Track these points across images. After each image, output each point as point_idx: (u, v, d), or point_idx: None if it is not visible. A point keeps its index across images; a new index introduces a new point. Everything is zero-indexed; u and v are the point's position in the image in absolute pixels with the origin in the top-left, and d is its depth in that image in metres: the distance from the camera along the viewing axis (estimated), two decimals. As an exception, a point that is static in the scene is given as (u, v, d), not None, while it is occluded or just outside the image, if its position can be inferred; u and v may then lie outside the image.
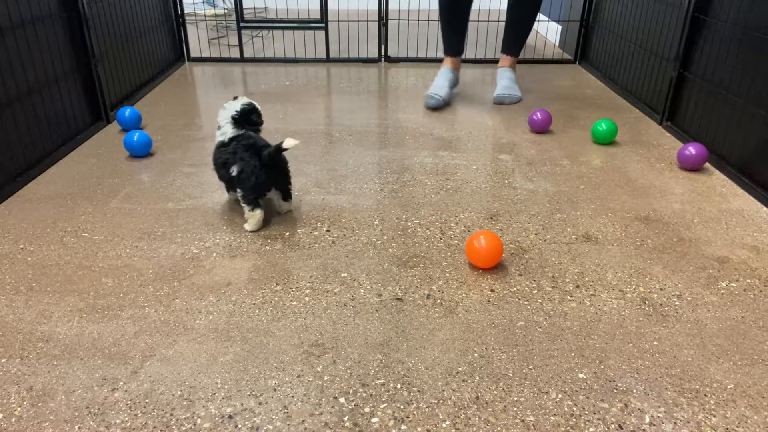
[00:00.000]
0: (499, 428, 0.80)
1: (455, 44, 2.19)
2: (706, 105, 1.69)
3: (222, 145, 1.30)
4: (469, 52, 2.79)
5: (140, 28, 2.19)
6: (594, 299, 1.07)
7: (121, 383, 0.87)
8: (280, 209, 1.35)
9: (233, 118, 1.31)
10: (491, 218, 1.35)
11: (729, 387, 0.87)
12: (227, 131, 1.31)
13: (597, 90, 2.33)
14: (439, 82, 2.15)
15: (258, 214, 1.26)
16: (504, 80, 2.20)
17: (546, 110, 1.87)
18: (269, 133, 1.84)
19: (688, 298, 1.07)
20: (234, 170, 1.23)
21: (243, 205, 1.26)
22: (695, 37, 1.76)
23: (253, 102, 1.35)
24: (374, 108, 2.10)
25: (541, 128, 1.86)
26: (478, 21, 2.97)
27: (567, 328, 0.99)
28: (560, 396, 0.85)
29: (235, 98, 1.36)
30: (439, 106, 2.08)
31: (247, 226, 1.27)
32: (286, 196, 1.34)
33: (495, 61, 2.70)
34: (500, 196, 1.45)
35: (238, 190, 1.25)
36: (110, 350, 0.93)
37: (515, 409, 0.83)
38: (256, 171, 1.22)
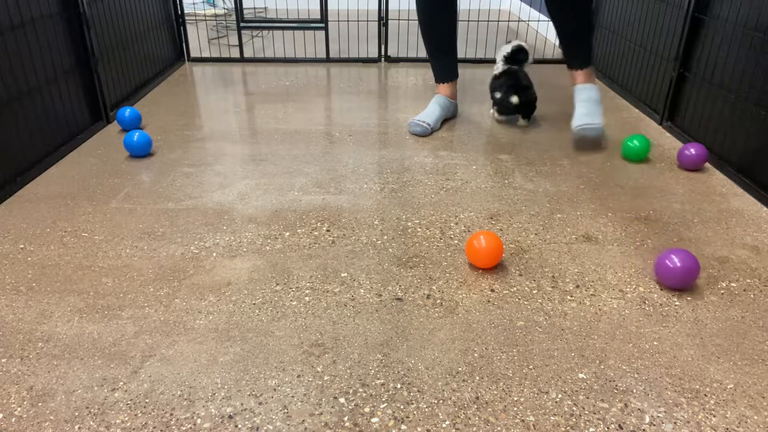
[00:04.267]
0: (499, 428, 0.80)
1: (444, 69, 1.91)
2: (706, 105, 1.69)
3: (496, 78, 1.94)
4: (468, 52, 2.80)
5: (140, 28, 2.19)
6: (594, 299, 1.07)
7: (121, 383, 0.87)
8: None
9: (504, 57, 1.93)
10: (491, 218, 1.35)
11: (729, 387, 0.87)
12: (499, 67, 1.95)
13: (597, 90, 2.33)
14: (430, 109, 1.88)
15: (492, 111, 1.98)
16: (582, 104, 1.70)
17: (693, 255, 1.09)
18: (269, 133, 1.84)
19: (688, 298, 1.07)
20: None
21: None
22: (695, 37, 1.76)
23: (522, 44, 1.91)
24: (374, 108, 2.10)
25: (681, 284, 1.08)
26: (478, 21, 2.97)
27: (567, 328, 0.99)
28: (560, 396, 0.85)
29: (508, 42, 1.95)
30: (425, 134, 1.82)
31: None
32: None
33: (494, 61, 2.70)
34: (500, 196, 1.45)
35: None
36: (110, 350, 0.93)
37: (515, 409, 0.83)
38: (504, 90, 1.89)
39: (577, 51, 1.76)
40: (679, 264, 1.06)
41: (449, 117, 1.97)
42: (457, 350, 0.94)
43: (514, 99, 1.85)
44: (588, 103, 1.70)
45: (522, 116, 1.92)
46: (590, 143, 1.77)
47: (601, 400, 0.85)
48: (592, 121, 1.66)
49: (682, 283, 1.07)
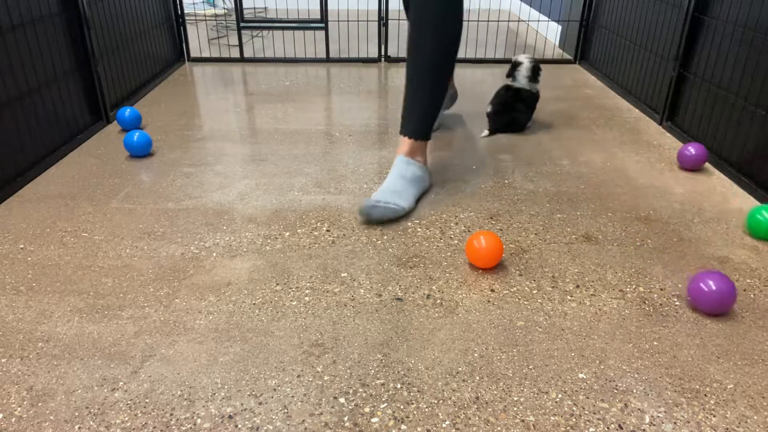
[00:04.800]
0: (499, 428, 0.80)
1: None
2: (706, 105, 1.69)
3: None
4: (468, 53, 2.80)
5: (140, 28, 2.19)
6: (594, 299, 1.07)
7: (121, 383, 0.87)
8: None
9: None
10: (491, 218, 1.35)
11: (729, 387, 0.87)
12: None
13: (597, 90, 2.33)
14: None
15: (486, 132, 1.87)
16: (393, 178, 1.37)
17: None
18: (269, 133, 1.84)
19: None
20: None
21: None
22: (695, 37, 1.76)
23: (519, 59, 1.85)
24: (374, 108, 2.10)
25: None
26: (478, 21, 2.97)
27: (567, 328, 0.99)
28: (560, 396, 0.85)
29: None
30: None
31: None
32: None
33: (495, 61, 2.70)
34: (500, 196, 1.45)
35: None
36: (110, 350, 0.93)
37: (515, 409, 0.83)
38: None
39: (415, 115, 1.41)
40: (714, 288, 1.00)
41: (448, 103, 1.97)
42: (457, 350, 0.94)
43: (486, 130, 1.87)
44: (401, 180, 1.36)
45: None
46: (590, 145, 1.77)
47: (601, 400, 0.85)
48: (393, 201, 1.31)
49: (719, 310, 1.02)
